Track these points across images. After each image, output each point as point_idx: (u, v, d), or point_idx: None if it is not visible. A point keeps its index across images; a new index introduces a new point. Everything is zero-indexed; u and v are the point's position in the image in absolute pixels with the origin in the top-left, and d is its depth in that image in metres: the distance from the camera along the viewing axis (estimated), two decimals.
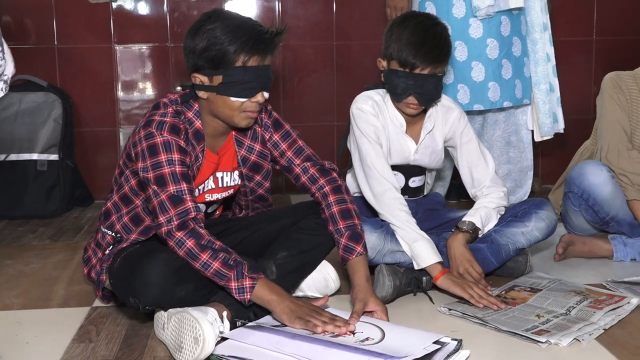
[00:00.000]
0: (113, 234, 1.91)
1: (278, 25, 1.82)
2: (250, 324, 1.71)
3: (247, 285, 1.65)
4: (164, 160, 1.74)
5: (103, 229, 1.93)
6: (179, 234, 1.69)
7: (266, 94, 1.80)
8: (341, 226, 1.89)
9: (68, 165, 3.30)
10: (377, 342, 1.60)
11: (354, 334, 1.66)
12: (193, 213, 1.72)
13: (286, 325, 1.67)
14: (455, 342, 1.61)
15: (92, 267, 1.94)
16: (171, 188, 1.73)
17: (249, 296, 1.66)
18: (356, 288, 1.83)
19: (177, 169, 1.75)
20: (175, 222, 1.70)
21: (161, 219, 1.72)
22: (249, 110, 1.79)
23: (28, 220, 3.14)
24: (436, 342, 1.60)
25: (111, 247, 1.89)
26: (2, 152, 3.23)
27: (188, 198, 1.73)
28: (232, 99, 1.77)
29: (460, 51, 2.72)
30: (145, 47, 3.48)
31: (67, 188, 3.28)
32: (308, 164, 1.97)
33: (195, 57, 1.77)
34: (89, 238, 2.73)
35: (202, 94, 1.81)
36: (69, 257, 2.54)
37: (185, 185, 1.74)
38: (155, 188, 1.73)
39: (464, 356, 1.59)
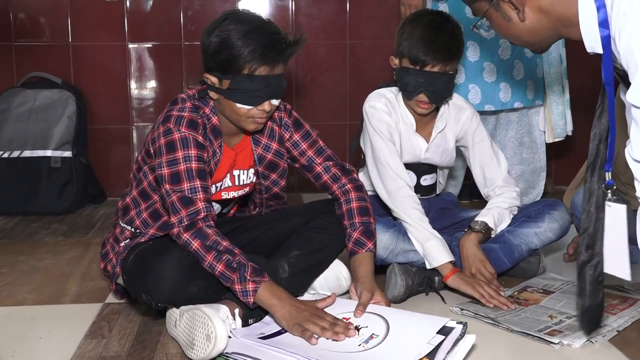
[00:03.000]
0: (132, 229, 1.91)
1: (293, 30, 1.79)
2: (245, 338, 1.67)
3: (250, 289, 1.65)
4: (180, 157, 1.75)
5: (122, 224, 1.94)
6: (185, 235, 1.70)
7: (275, 102, 1.80)
8: (357, 221, 1.92)
9: (81, 162, 3.32)
10: (382, 341, 1.59)
11: (358, 330, 1.65)
12: (203, 213, 1.72)
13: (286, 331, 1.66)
14: (461, 326, 1.58)
15: (109, 261, 1.95)
16: (185, 185, 1.73)
17: (252, 299, 1.66)
18: (361, 279, 1.84)
19: (193, 166, 1.75)
20: (185, 223, 1.71)
21: (173, 219, 1.73)
22: (257, 117, 1.79)
23: (41, 217, 3.16)
24: (441, 331, 1.57)
25: (127, 241, 1.90)
26: (16, 149, 3.24)
27: (200, 197, 1.73)
28: (238, 105, 1.77)
29: (472, 51, 2.71)
30: (158, 45, 3.49)
31: (80, 185, 3.29)
32: (329, 163, 1.99)
33: (207, 58, 1.78)
34: (102, 235, 2.76)
35: (212, 94, 1.81)
36: (81, 253, 2.55)
37: (199, 182, 1.74)
38: (168, 187, 1.74)
39: (470, 341, 1.56)
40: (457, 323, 1.59)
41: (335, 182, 1.98)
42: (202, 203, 1.73)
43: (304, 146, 1.98)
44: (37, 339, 1.77)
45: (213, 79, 1.78)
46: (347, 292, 2.01)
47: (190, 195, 1.73)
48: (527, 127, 2.95)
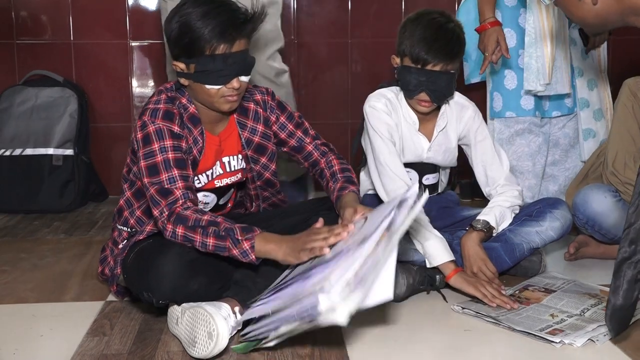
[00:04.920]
0: (128, 229, 1.92)
1: (257, 9, 1.79)
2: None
3: (247, 248, 1.65)
4: (156, 148, 1.76)
5: (119, 227, 1.94)
6: (169, 227, 1.71)
7: (244, 78, 1.81)
8: (339, 176, 1.95)
9: (83, 160, 3.32)
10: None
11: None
12: (181, 200, 1.73)
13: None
14: (415, 192, 1.50)
15: (107, 264, 1.95)
16: (163, 176, 1.74)
17: (253, 256, 1.66)
18: (344, 204, 1.82)
19: (170, 156, 1.76)
20: (165, 213, 1.72)
21: (155, 212, 1.74)
22: (228, 95, 1.80)
23: (43, 215, 3.16)
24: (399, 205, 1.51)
25: (125, 242, 1.90)
26: (18, 147, 3.25)
27: (179, 185, 1.74)
28: (207, 86, 1.78)
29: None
30: (160, 44, 3.49)
31: (82, 183, 3.29)
32: (318, 142, 2.04)
33: (172, 46, 1.81)
34: (103, 233, 2.77)
35: (183, 81, 1.83)
36: (83, 251, 2.56)
37: (177, 171, 1.75)
38: (146, 181, 1.75)
39: (424, 198, 1.48)
40: (411, 191, 1.51)
41: (323, 157, 2.02)
42: (180, 191, 1.74)
43: (291, 127, 2.00)
44: (39, 337, 1.78)
45: (181, 66, 1.80)
46: None
47: (168, 186, 1.74)
48: (575, 132, 2.89)
